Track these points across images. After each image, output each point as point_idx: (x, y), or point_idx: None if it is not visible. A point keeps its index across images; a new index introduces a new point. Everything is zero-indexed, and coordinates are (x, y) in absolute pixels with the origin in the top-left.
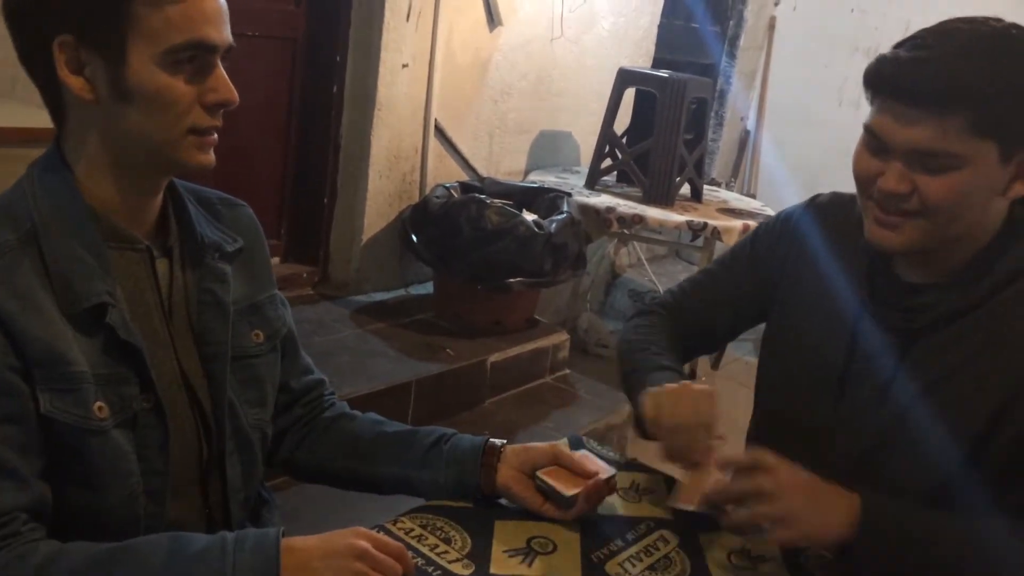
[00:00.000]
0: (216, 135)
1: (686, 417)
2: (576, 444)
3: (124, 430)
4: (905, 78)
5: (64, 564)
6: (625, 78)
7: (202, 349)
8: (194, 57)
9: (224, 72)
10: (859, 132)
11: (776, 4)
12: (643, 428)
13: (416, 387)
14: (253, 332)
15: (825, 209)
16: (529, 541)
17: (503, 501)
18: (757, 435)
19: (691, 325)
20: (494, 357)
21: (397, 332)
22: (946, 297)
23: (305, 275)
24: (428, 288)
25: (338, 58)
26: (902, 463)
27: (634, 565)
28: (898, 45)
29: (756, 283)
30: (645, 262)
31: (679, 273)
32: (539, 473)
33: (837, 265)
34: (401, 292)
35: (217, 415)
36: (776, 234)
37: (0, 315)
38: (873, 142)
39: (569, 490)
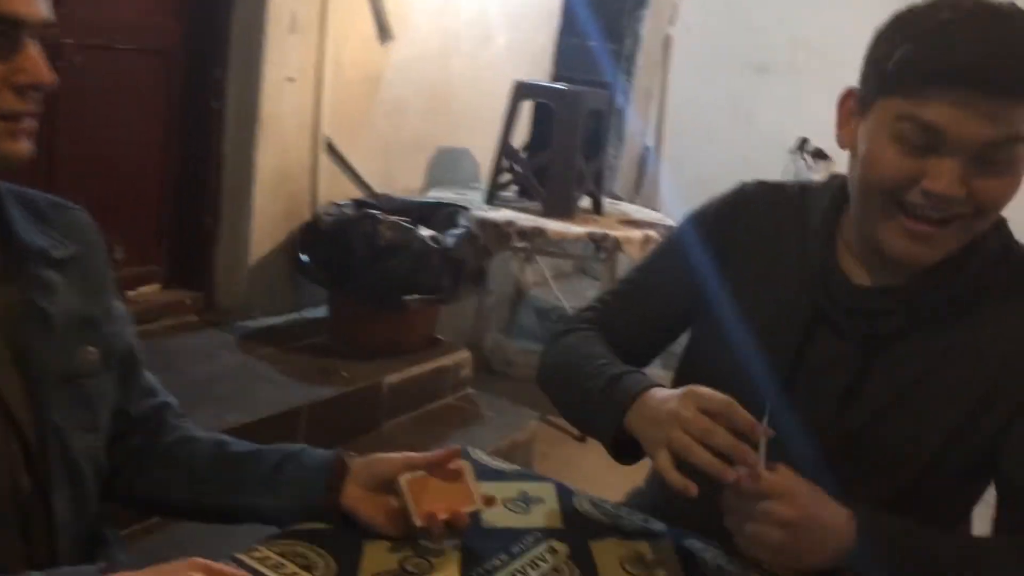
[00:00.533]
0: (32, 122)
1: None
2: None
3: None
4: (991, 65)
5: None
6: (522, 91)
7: (24, 368)
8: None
9: (38, 51)
10: (755, 146)
11: (671, 23)
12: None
13: (308, 413)
14: (85, 349)
15: (757, 200)
16: (402, 563)
17: None
18: None
19: (622, 341)
20: (391, 378)
21: (288, 357)
22: (910, 303)
23: (189, 301)
24: (323, 311)
25: (218, 72)
26: (863, 470)
27: None
28: (931, 31)
29: (685, 290)
30: (551, 280)
31: (585, 290)
32: (403, 479)
33: (781, 265)
34: (294, 316)
35: (41, 443)
36: (704, 232)
37: None
38: (922, 138)
39: (422, 514)
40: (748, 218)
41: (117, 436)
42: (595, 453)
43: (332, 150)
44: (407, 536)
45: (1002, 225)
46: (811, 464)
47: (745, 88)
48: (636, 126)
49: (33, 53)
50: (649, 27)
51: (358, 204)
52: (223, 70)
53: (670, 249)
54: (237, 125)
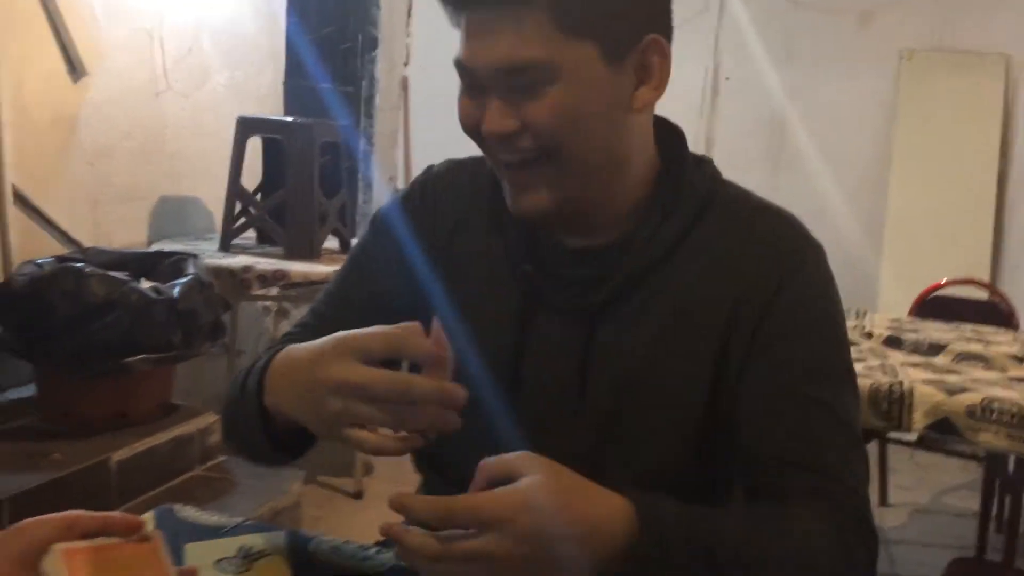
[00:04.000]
0: None
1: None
2: (163, 517)
3: None
4: None
5: None
6: (247, 126)
7: None
8: None
9: None
10: None
11: (406, 64)
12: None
13: (10, 505)
14: None
15: (446, 181)
16: None
17: None
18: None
19: None
20: (120, 455)
21: None
22: (621, 260)
23: None
24: (31, 389)
25: None
26: (623, 454)
27: None
28: None
29: (397, 279)
30: None
31: None
32: (56, 548)
33: (485, 246)
34: None
35: None
36: (400, 217)
37: None
38: (466, 79)
39: None
40: (439, 198)
41: None
42: (374, 508)
43: (23, 202)
44: None
45: (706, 165)
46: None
47: None
48: (383, 170)
49: None
50: (383, 69)
51: (60, 260)
52: None
53: (372, 237)
54: None
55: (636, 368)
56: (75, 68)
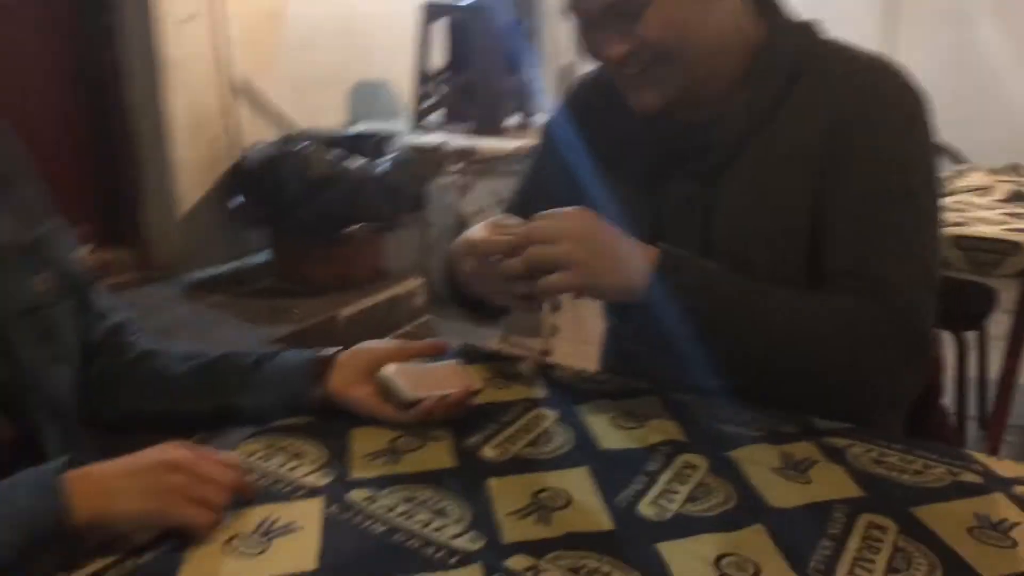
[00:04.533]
0: None
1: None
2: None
3: None
4: None
5: None
6: (431, 12)
7: None
8: None
9: None
10: None
11: None
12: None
13: None
14: (38, 278)
15: (583, 93)
16: (393, 443)
17: None
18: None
19: None
20: (346, 311)
21: (237, 302)
22: (721, 131)
23: (126, 258)
24: (266, 255)
25: (106, 19)
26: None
27: (671, 500)
28: None
29: (564, 184)
30: (492, 207)
31: None
32: (383, 370)
33: (622, 141)
34: (236, 263)
35: (16, 385)
36: (552, 136)
37: None
38: (580, 19)
39: (413, 391)
40: (592, 99)
41: (80, 364)
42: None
43: (246, 90)
44: (398, 423)
45: (805, 28)
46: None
47: None
48: (557, 43)
49: None
50: None
51: (283, 141)
52: (112, 16)
53: (538, 153)
54: (140, 73)
55: (746, 220)
56: None
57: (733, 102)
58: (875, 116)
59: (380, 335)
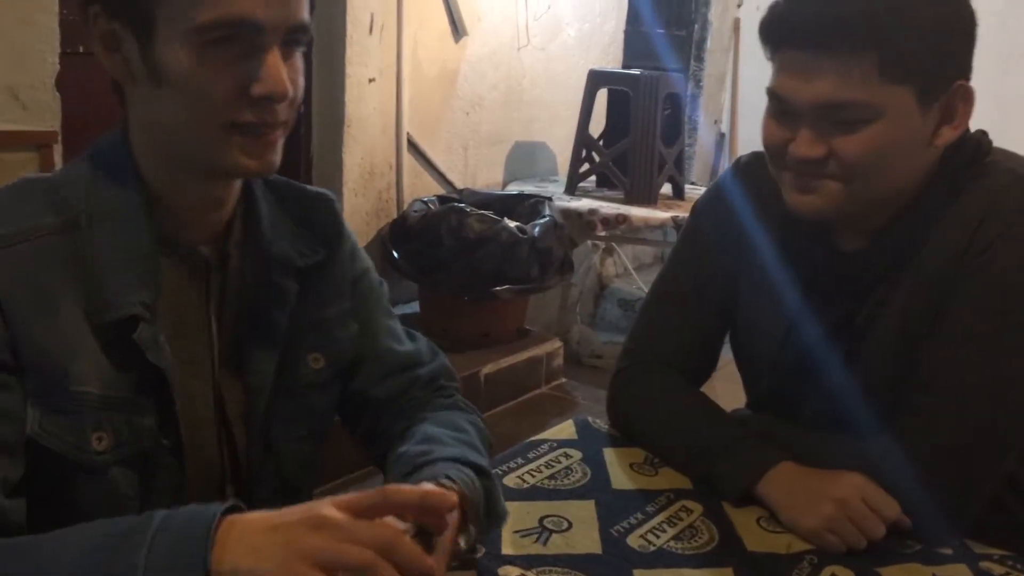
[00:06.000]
0: (274, 134)
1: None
2: (583, 426)
3: (127, 469)
4: (802, 21)
5: None
6: (597, 79)
7: (244, 379)
8: (232, 37)
9: (280, 58)
10: None
11: (739, 6)
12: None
13: None
14: (311, 356)
15: (752, 173)
16: (541, 520)
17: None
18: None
19: (681, 361)
20: (487, 369)
21: None
22: (878, 261)
23: None
24: (414, 306)
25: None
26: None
27: (658, 536)
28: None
29: (719, 279)
30: (632, 271)
31: None
32: None
33: (776, 238)
34: None
35: (252, 456)
36: (715, 219)
37: (4, 308)
38: (778, 106)
39: None
40: (746, 190)
41: (366, 421)
42: None
43: (414, 148)
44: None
45: (974, 148)
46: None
47: None
48: (709, 113)
49: (272, 61)
50: (717, 12)
51: (443, 199)
52: (307, 73)
53: (691, 238)
54: (323, 127)
55: (891, 347)
56: (457, 29)
57: (890, 232)
58: (1002, 244)
59: (519, 394)
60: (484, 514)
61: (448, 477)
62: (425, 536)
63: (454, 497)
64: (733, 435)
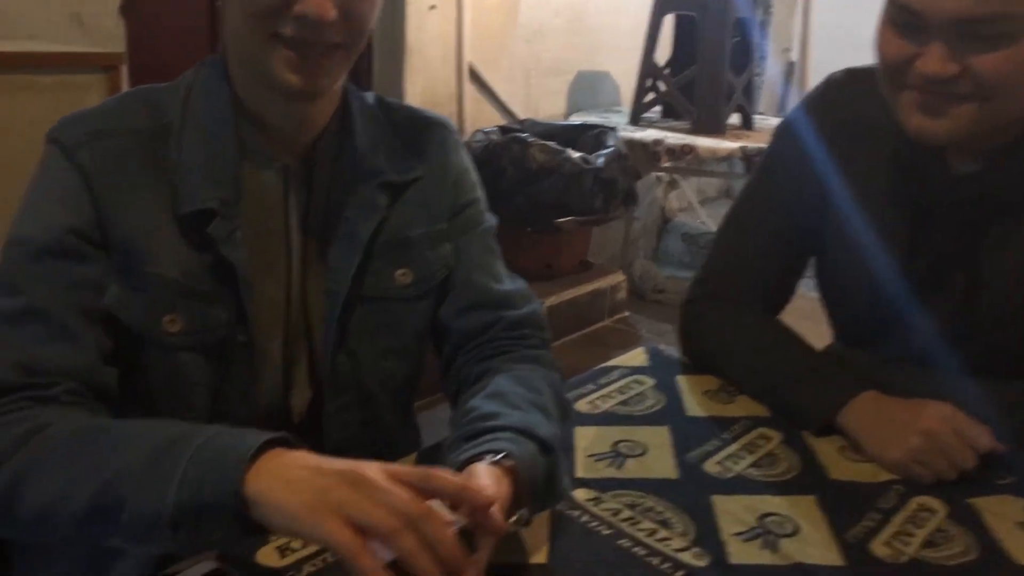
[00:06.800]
0: (325, 56)
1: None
2: (654, 354)
3: (199, 356)
4: None
5: (50, 433)
6: (663, 4)
7: (324, 285)
8: None
9: None
10: None
11: None
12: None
13: None
14: (399, 271)
15: (847, 92)
16: (615, 445)
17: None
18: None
19: (757, 292)
20: (549, 301)
21: None
22: (996, 185)
23: None
24: None
25: None
26: (983, 351)
27: (736, 463)
28: None
29: (803, 208)
30: (696, 204)
31: None
32: None
33: (877, 163)
34: None
35: (332, 364)
36: (801, 142)
37: (96, 188)
38: (905, 18)
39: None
40: (842, 108)
41: (446, 351)
42: None
43: (476, 77)
44: None
45: None
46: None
47: None
48: (777, 41)
49: None
50: None
51: (504, 130)
52: None
53: (771, 167)
54: (384, 56)
55: (1011, 281)
56: None
57: (1012, 154)
58: None
59: (582, 326)
60: (542, 492)
61: (507, 455)
62: (468, 535)
63: (492, 499)
64: (813, 363)
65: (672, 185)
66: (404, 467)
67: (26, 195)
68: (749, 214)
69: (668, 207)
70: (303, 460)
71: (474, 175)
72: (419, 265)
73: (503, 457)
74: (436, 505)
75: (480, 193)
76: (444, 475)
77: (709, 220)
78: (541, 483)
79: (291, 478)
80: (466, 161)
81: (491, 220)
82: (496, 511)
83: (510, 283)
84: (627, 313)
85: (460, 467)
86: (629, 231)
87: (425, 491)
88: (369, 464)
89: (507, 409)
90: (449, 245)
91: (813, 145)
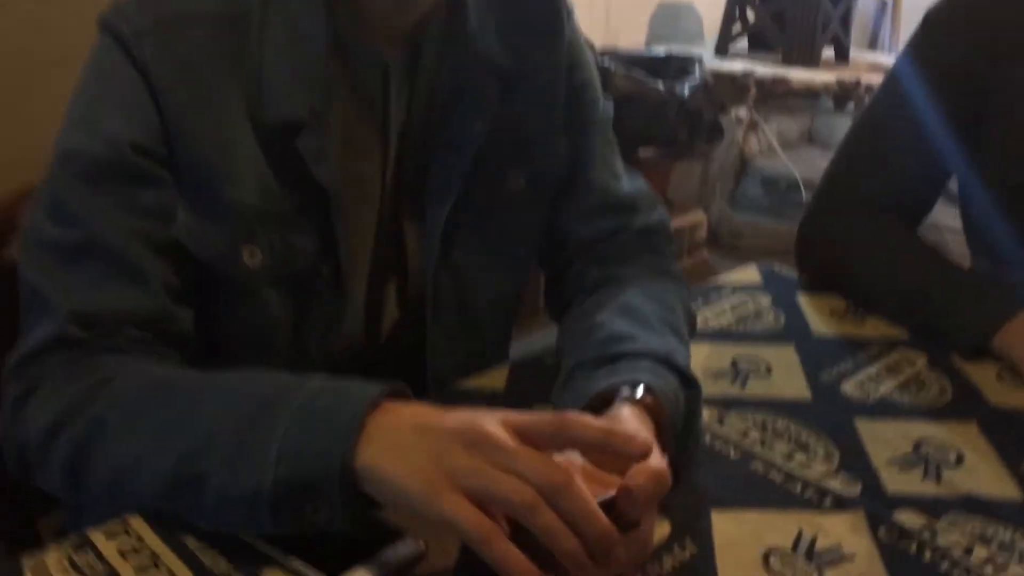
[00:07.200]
0: None
1: None
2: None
3: (281, 291)
4: None
5: (116, 389)
6: None
7: (426, 191)
8: None
9: None
10: None
11: None
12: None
13: None
14: (511, 172)
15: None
16: (734, 362)
17: None
18: None
19: (891, 201)
20: None
21: None
22: None
23: None
24: None
25: None
26: None
27: (878, 386)
28: None
29: (957, 103)
30: (778, 148)
31: (816, 159)
32: None
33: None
34: None
35: (433, 280)
36: (959, 28)
37: (163, 92)
38: None
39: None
40: (969, 15)
41: (560, 260)
42: None
43: None
44: None
45: None
46: None
47: None
48: None
49: None
50: None
51: None
52: None
53: (921, 56)
54: None
55: None
56: None
57: None
58: None
59: None
60: (682, 435)
61: (648, 389)
62: (610, 505)
63: (648, 445)
64: (963, 280)
65: (752, 127)
66: (530, 415)
67: (75, 96)
68: (886, 110)
69: (748, 150)
70: (412, 418)
71: (589, 53)
72: (532, 164)
73: (645, 391)
74: (573, 457)
75: (597, 74)
76: (583, 420)
77: (791, 164)
78: (681, 422)
79: (400, 444)
80: (580, 36)
81: (609, 107)
82: (661, 461)
83: (632, 183)
84: (705, 254)
85: (590, 400)
86: (707, 172)
87: (563, 441)
88: (488, 415)
89: (643, 331)
90: (565, 139)
91: (974, 30)
